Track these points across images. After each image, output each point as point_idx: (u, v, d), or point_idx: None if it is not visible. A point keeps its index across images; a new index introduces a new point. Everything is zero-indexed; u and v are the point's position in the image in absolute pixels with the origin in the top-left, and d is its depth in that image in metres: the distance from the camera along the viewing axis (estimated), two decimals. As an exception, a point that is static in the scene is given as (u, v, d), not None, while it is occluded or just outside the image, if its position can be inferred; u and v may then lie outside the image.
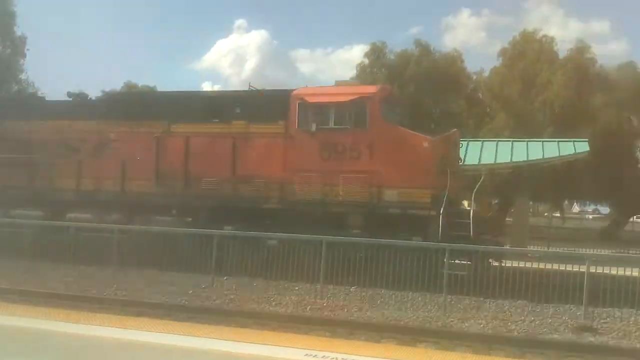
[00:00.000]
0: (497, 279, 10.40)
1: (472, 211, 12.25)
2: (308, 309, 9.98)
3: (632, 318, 9.42)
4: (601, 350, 7.82)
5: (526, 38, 32.67)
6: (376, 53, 36.14)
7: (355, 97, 12.71)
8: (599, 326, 9.02)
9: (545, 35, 33.12)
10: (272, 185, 13.00)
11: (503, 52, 33.42)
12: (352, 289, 11.10)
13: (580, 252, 16.25)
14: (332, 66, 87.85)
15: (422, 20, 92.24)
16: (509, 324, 9.11)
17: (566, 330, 8.85)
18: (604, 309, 9.69)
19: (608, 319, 9.45)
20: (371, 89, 13.84)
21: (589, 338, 8.53)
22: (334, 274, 10.98)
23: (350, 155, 12.65)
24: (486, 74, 35.06)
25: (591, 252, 15.82)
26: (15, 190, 14.87)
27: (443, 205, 11.73)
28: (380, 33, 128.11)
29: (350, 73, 39.70)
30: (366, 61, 36.30)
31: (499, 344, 7.90)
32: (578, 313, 9.54)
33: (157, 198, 13.81)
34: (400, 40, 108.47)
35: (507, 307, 10.02)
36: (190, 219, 13.63)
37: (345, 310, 9.92)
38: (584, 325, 8.99)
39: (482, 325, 9.05)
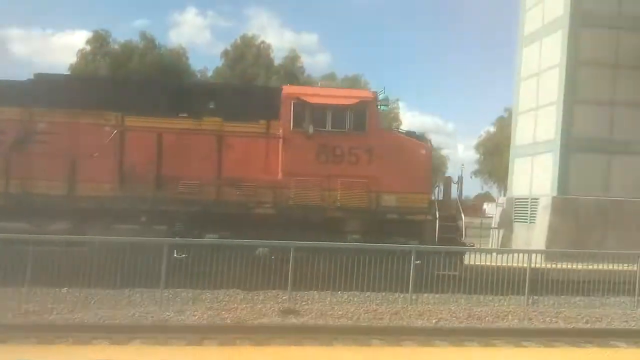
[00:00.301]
0: (214, 271, 10.77)
1: (462, 214, 12.78)
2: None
3: (328, 299, 10.81)
4: (302, 329, 8.71)
5: (246, 42, 34.79)
6: (99, 41, 34.39)
7: (357, 100, 12.41)
8: (301, 308, 10.08)
9: (263, 42, 35.88)
10: (263, 189, 12.07)
11: (225, 54, 34.94)
12: (64, 290, 10.20)
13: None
14: (51, 50, 78.72)
15: (149, 13, 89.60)
16: (223, 312, 9.53)
17: (274, 314, 9.67)
18: (306, 292, 10.88)
19: (309, 301, 10.65)
20: (369, 94, 13.29)
21: (292, 320, 9.48)
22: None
23: (349, 159, 12.23)
24: (210, 73, 36.20)
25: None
26: None
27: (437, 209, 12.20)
28: (104, 20, 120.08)
29: (70, 59, 37.00)
30: (88, 48, 34.34)
31: (213, 333, 8.20)
32: (284, 297, 10.50)
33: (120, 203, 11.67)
34: (124, 31, 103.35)
35: (221, 297, 10.48)
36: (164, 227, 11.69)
37: (55, 313, 9.10)
38: (289, 308, 9.95)
39: (196, 317, 9.26)
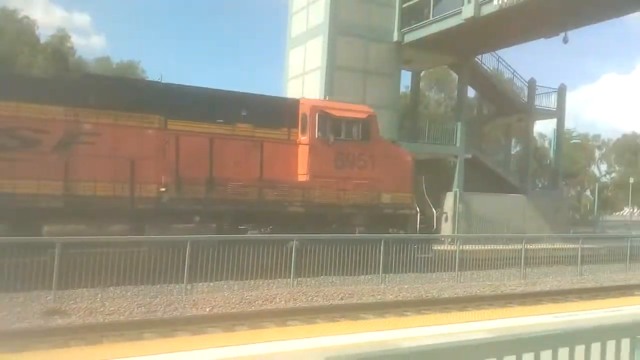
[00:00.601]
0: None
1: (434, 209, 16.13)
2: None
3: (99, 295, 10.38)
4: (67, 330, 8.26)
5: (7, 16, 31.44)
6: None
7: (366, 115, 15.05)
8: (67, 307, 9.51)
9: (26, 17, 32.89)
10: (294, 189, 13.95)
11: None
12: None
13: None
14: None
15: None
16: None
17: (36, 317, 8.96)
18: (74, 290, 10.28)
19: (77, 299, 10.09)
20: (371, 110, 15.64)
21: (58, 320, 8.92)
22: None
23: (358, 164, 14.63)
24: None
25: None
26: None
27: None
28: None
29: None
30: None
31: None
32: (48, 298, 9.78)
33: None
34: None
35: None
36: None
37: None
38: (54, 308, 9.32)
39: None
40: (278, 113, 14.09)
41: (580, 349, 2.17)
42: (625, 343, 2.41)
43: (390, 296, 12.16)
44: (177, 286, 11.16)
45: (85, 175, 11.72)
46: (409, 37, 23.83)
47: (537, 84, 29.54)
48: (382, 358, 1.99)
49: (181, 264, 11.02)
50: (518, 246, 16.51)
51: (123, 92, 12.89)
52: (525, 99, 29.19)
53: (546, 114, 30.00)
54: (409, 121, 28.51)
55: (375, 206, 15.00)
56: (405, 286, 13.01)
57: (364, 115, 14.98)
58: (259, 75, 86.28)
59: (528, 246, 16.67)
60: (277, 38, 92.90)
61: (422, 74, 31.97)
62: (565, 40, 23.09)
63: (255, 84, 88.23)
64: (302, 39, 23.92)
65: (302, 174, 14.10)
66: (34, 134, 11.35)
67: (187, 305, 10.20)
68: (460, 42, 24.33)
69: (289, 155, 14.07)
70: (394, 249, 13.68)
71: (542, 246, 19.69)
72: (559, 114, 29.84)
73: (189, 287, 11.10)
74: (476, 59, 27.72)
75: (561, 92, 29.80)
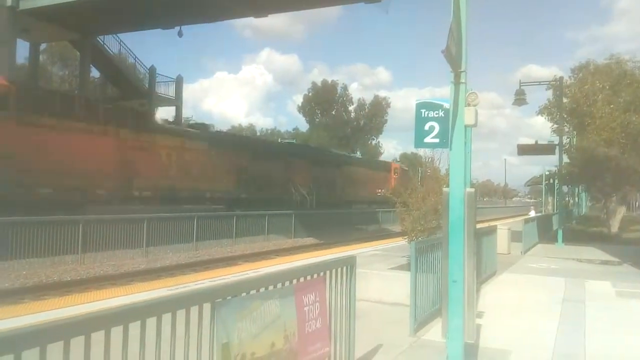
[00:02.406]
0: None
1: None
2: None
3: None
4: None
5: None
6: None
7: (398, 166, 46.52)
8: None
9: None
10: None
11: None
12: None
13: None
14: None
15: None
16: None
17: None
18: None
19: None
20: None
21: None
22: None
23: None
24: None
25: None
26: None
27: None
28: None
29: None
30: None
31: None
32: None
33: None
34: None
35: None
36: None
37: None
38: None
39: None
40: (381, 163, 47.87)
41: (167, 316, 2.95)
42: (207, 306, 3.34)
43: None
44: None
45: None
46: (26, 4, 21.84)
47: (157, 72, 30.92)
48: None
49: None
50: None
51: None
52: (147, 85, 30.24)
53: (166, 101, 31.71)
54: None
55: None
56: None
57: (401, 167, 44.46)
58: None
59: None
60: None
61: (42, 46, 29.55)
62: (180, 34, 24.98)
63: None
64: None
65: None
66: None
67: None
68: (82, 19, 23.66)
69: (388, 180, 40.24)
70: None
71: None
72: (177, 102, 31.95)
73: None
74: (99, 39, 27.29)
75: (179, 82, 31.98)
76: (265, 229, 23.42)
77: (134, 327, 2.68)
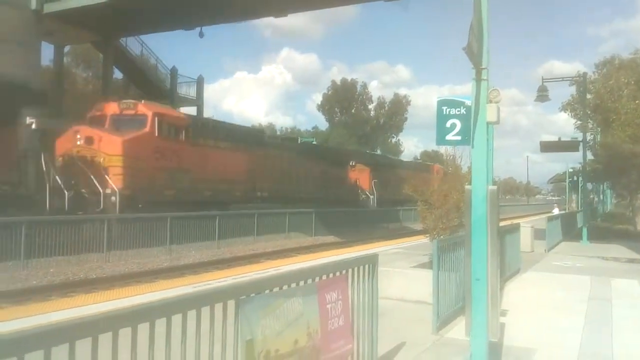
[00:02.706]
0: None
1: None
2: None
3: None
4: None
5: None
6: None
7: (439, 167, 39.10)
8: None
9: None
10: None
11: None
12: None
13: None
14: None
15: None
16: None
17: None
18: None
19: None
20: None
21: None
22: None
23: None
24: None
25: None
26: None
27: None
28: None
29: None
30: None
31: None
32: None
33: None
34: None
35: None
36: None
37: None
38: None
39: None
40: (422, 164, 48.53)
41: (192, 314, 3.00)
42: (231, 303, 3.38)
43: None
44: None
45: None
46: (50, 7, 22.24)
47: (179, 73, 31.25)
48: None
49: None
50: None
51: None
52: (169, 86, 30.57)
53: (188, 101, 32.03)
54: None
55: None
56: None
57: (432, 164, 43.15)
58: None
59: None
60: None
61: (66, 49, 30.08)
62: (201, 35, 25.18)
63: None
64: None
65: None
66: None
67: None
68: (104, 21, 23.97)
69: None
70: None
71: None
72: (198, 102, 32.24)
73: None
74: (121, 41, 27.65)
75: (200, 82, 32.27)
76: (286, 227, 23.51)
77: (160, 324, 2.72)
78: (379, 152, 53.93)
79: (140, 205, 18.00)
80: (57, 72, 28.93)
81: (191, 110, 32.45)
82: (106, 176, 17.32)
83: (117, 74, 31.50)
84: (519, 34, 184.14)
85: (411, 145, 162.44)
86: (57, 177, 16.92)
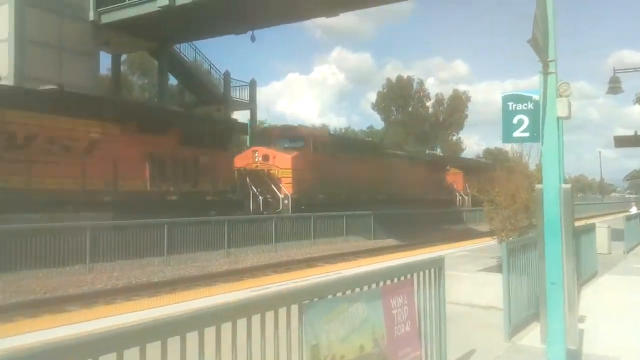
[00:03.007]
0: None
1: None
2: None
3: None
4: None
5: None
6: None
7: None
8: None
9: None
10: None
11: None
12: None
13: None
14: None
15: None
16: None
17: None
18: None
19: None
20: None
21: None
22: None
23: None
24: None
25: None
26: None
27: None
28: None
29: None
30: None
31: None
32: None
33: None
34: None
35: None
36: None
37: None
38: None
39: None
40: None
41: (256, 318, 2.92)
42: (295, 308, 3.28)
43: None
44: None
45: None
46: (107, 18, 23.05)
47: (231, 77, 31.73)
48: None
49: None
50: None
51: None
52: (222, 90, 31.09)
53: (241, 105, 32.47)
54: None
55: None
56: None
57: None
58: None
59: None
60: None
61: (123, 57, 31.12)
62: (253, 39, 25.46)
63: None
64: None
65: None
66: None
67: None
68: (158, 29, 24.61)
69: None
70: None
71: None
72: (251, 105, 32.63)
73: None
74: (175, 48, 28.33)
75: (252, 85, 32.66)
76: (344, 230, 23.37)
77: (225, 329, 2.67)
78: (439, 151, 53.06)
79: (302, 207, 22.60)
80: (114, 80, 29.94)
81: (244, 114, 32.91)
82: (280, 185, 22.59)
83: (172, 81, 32.31)
84: (585, 22, 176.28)
85: (472, 143, 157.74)
86: (252, 187, 21.72)
